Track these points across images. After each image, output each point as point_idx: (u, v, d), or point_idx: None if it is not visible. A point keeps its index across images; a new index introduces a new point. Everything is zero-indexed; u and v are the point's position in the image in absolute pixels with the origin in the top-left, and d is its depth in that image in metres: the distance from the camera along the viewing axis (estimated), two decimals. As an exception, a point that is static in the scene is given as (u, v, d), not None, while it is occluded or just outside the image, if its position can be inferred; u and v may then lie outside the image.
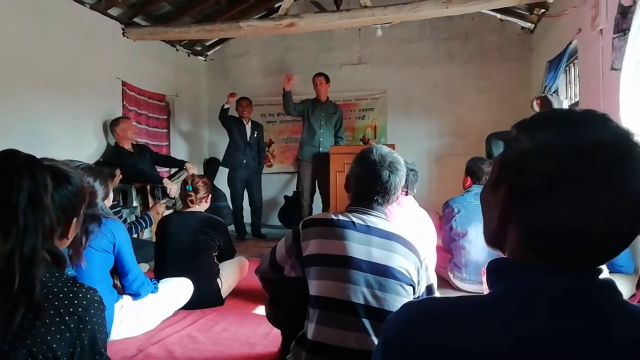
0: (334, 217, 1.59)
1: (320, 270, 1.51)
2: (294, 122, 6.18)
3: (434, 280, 1.65)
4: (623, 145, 0.59)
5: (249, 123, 5.59)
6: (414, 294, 1.54)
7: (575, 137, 0.60)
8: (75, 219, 1.20)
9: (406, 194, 2.58)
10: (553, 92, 3.75)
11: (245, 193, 5.65)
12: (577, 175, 0.58)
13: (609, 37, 3.05)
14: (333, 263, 1.50)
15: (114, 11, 4.85)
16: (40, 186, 1.08)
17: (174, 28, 4.98)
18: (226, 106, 5.35)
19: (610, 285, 0.61)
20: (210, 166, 6.58)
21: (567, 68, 4.47)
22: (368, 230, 1.55)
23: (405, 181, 2.57)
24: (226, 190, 5.75)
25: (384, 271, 1.47)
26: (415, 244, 1.60)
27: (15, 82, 3.80)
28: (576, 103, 4.20)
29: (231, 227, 5.56)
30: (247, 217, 5.65)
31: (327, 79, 5.34)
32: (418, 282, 1.55)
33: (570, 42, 3.98)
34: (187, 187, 2.87)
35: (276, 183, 6.66)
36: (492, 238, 0.71)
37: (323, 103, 5.38)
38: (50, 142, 4.13)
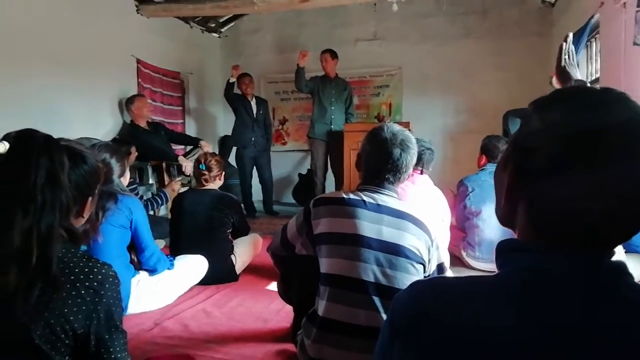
0: (344, 195, 1.59)
1: (330, 249, 1.53)
2: (308, 99, 6.13)
3: (445, 259, 1.66)
4: (636, 126, 0.57)
5: (254, 99, 5.52)
6: (424, 272, 1.54)
7: (585, 117, 0.59)
8: (90, 198, 1.22)
9: (421, 173, 2.56)
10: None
11: (255, 171, 5.63)
12: (582, 156, 0.57)
13: (633, 11, 2.96)
14: (344, 241, 1.51)
15: (127, -12, 4.84)
16: (57, 165, 1.10)
17: (188, 4, 4.94)
18: (232, 80, 5.31)
19: (618, 267, 0.60)
20: (225, 144, 6.61)
21: (589, 43, 4.35)
22: (379, 208, 1.55)
23: (421, 159, 2.56)
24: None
25: (394, 249, 1.48)
26: (427, 222, 1.60)
27: (30, 62, 3.82)
28: (596, 79, 4.09)
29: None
30: (257, 195, 5.65)
31: (334, 55, 5.26)
32: (429, 260, 1.56)
33: (592, 16, 3.87)
34: (200, 165, 2.89)
35: (290, 161, 6.67)
36: (503, 217, 0.71)
37: (332, 80, 5.32)
38: (67, 120, 4.18)
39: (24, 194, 1.06)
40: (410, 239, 1.51)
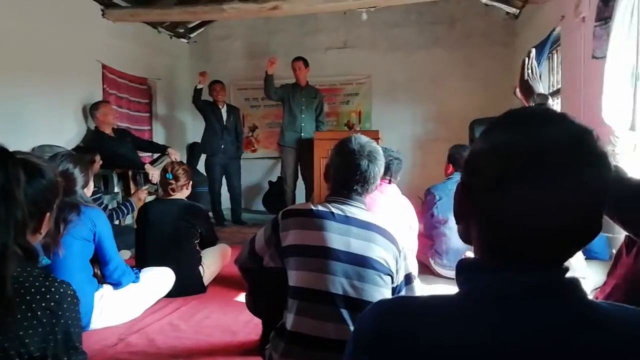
0: (313, 207, 1.59)
1: (299, 261, 1.52)
2: (278, 106, 6.11)
3: (413, 269, 1.67)
4: (574, 142, 0.59)
5: (224, 107, 5.47)
6: (392, 283, 1.55)
7: (524, 137, 0.60)
8: (48, 214, 1.18)
9: (389, 182, 2.59)
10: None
11: (224, 179, 5.56)
12: (523, 175, 0.58)
13: (591, 26, 3.07)
14: (312, 254, 1.50)
15: (92, -9, 4.73)
16: (13, 180, 1.06)
17: (155, 10, 4.87)
18: (199, 86, 5.24)
19: (570, 283, 0.61)
20: (194, 151, 6.52)
21: (550, 55, 4.49)
22: (347, 220, 1.55)
23: (389, 169, 2.59)
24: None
25: (362, 262, 1.48)
26: (394, 232, 1.61)
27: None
28: (558, 90, 4.23)
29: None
30: (226, 203, 5.59)
31: (306, 64, 5.28)
32: (397, 271, 1.57)
33: (554, 29, 4.00)
34: (167, 174, 2.83)
35: (260, 168, 6.63)
36: (461, 234, 0.72)
37: (303, 88, 5.33)
38: (29, 126, 4.05)
39: None
40: (378, 251, 1.51)
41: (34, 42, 4.07)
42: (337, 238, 1.51)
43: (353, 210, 1.58)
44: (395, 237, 1.58)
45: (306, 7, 4.56)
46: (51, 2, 4.26)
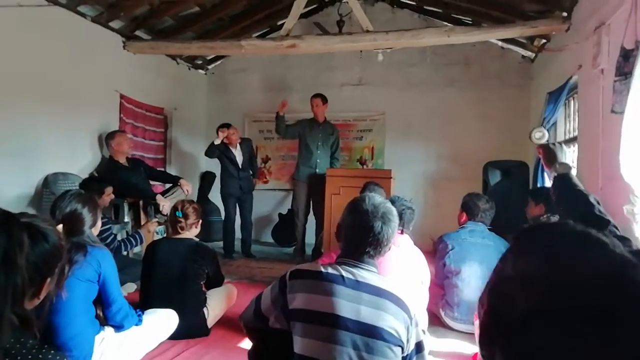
0: (322, 269, 1.54)
1: (305, 328, 1.46)
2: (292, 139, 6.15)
3: (424, 324, 1.61)
4: (615, 282, 0.52)
5: (237, 148, 5.42)
6: (402, 353, 1.49)
7: (559, 268, 0.55)
8: (49, 279, 1.15)
9: (401, 232, 2.53)
10: (556, 142, 3.70)
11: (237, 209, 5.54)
12: (556, 316, 0.52)
13: (610, 78, 3.03)
14: (320, 321, 1.45)
15: (115, 24, 4.83)
16: (16, 246, 1.04)
17: (175, 43, 4.96)
18: (216, 142, 5.18)
19: None
20: (206, 180, 6.54)
21: (567, 101, 4.46)
22: (358, 285, 1.50)
23: (401, 219, 2.54)
24: (220, 206, 5.69)
25: (372, 332, 1.43)
26: (406, 299, 1.55)
27: (13, 92, 3.75)
28: (574, 138, 4.18)
29: (220, 243, 5.50)
30: (236, 233, 5.56)
31: (325, 100, 5.32)
32: (407, 340, 1.50)
33: (571, 77, 3.98)
34: (176, 212, 2.81)
35: (271, 199, 6.62)
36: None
37: (320, 124, 5.35)
38: (45, 153, 4.09)
39: None
40: (389, 320, 1.46)
41: (55, 71, 4.16)
42: (346, 305, 1.46)
43: (364, 274, 1.53)
44: (407, 304, 1.53)
45: (323, 46, 4.61)
46: (75, 34, 4.35)
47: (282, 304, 1.55)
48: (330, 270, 1.54)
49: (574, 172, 2.74)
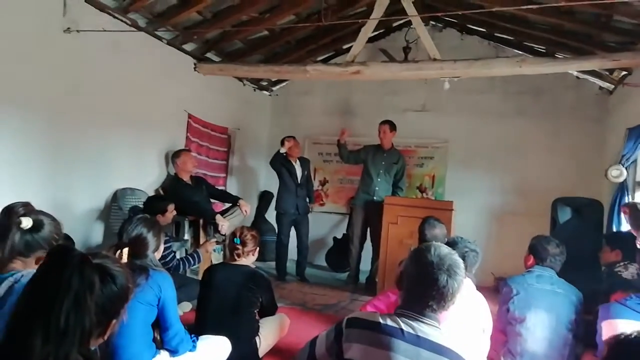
0: (381, 321, 1.48)
1: (361, 382, 1.40)
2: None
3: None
4: None
5: (297, 162, 5.51)
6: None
7: None
8: (114, 320, 1.17)
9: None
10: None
11: (293, 231, 5.56)
12: None
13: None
14: (376, 377, 1.39)
15: (188, 46, 5.04)
16: (87, 288, 1.06)
17: (243, 66, 5.10)
18: (282, 150, 5.29)
19: None
20: (264, 199, 6.64)
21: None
22: (417, 341, 1.42)
23: (464, 261, 2.41)
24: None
25: (430, 393, 1.34)
26: (468, 357, 1.46)
27: (90, 112, 3.97)
28: (658, 179, 3.87)
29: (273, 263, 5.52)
30: (291, 254, 5.57)
31: (393, 127, 5.26)
32: (468, 402, 1.41)
33: (655, 114, 3.70)
34: (235, 239, 2.84)
35: (327, 222, 6.59)
36: None
37: (385, 151, 5.29)
38: (115, 169, 4.29)
39: (49, 316, 1.02)
40: (449, 381, 1.37)
41: (130, 91, 4.37)
42: (405, 362, 1.38)
43: (425, 329, 1.45)
44: (469, 364, 1.43)
45: (387, 73, 4.58)
46: (151, 57, 4.57)
47: (337, 351, 1.50)
48: (389, 322, 1.47)
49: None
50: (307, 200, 5.64)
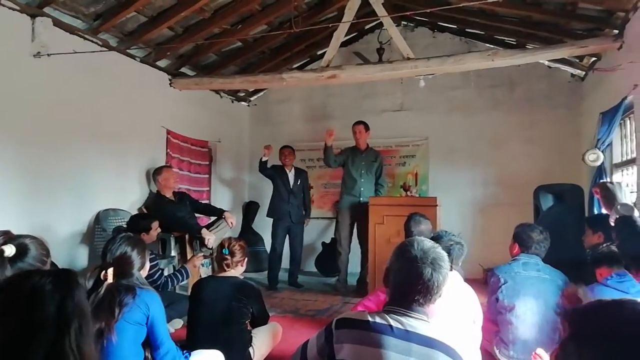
0: (370, 319, 1.48)
1: (354, 382, 1.40)
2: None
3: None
4: None
5: (292, 170, 5.59)
6: (456, 408, 1.40)
7: None
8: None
9: (450, 269, 2.42)
10: (614, 182, 3.47)
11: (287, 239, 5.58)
12: None
13: (670, 99, 2.87)
14: (368, 375, 1.39)
15: (162, 63, 5.02)
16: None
17: (219, 78, 5.11)
18: (264, 159, 5.36)
19: None
20: (250, 210, 6.61)
21: (622, 121, 4.24)
22: (407, 336, 1.43)
23: (450, 254, 2.43)
24: (269, 236, 5.72)
25: (423, 387, 1.35)
26: (459, 348, 1.47)
27: (66, 133, 3.95)
28: (632, 159, 3.95)
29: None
30: (283, 263, 5.57)
31: (367, 128, 5.30)
32: (461, 393, 1.41)
33: (626, 97, 3.78)
34: (223, 250, 2.82)
35: (314, 228, 6.58)
36: None
37: (363, 151, 5.32)
38: (96, 190, 4.25)
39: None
40: (441, 373, 1.38)
41: (105, 111, 4.34)
42: (396, 357, 1.39)
43: (414, 323, 1.46)
44: (460, 356, 1.44)
45: (363, 75, 4.61)
46: (124, 75, 4.55)
47: (329, 353, 1.50)
48: (378, 319, 1.48)
49: (636, 212, 2.56)
50: (303, 211, 5.66)
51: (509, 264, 3.01)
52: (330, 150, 5.19)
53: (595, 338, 0.54)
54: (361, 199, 5.19)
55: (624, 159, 4.29)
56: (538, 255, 2.98)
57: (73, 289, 1.14)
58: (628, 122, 4.17)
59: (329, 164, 5.35)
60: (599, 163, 4.33)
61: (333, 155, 5.24)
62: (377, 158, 5.41)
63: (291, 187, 5.49)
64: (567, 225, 4.23)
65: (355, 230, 5.33)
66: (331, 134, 5.14)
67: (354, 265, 5.41)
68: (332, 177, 6.39)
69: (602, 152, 4.31)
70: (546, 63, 5.63)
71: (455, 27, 5.94)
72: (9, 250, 1.73)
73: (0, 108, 3.37)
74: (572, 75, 5.67)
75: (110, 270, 2.13)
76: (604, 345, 0.53)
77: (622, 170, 4.32)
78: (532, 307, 2.83)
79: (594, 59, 4.91)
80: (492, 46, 5.61)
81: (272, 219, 5.56)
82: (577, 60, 5.25)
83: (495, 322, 3.00)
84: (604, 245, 2.99)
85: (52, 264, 2.37)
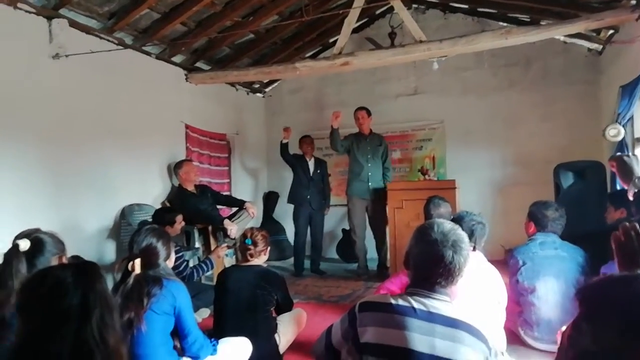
0: (393, 301, 1.51)
1: (378, 363, 1.44)
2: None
3: (502, 346, 1.53)
4: None
5: (312, 160, 5.67)
6: (481, 387, 1.43)
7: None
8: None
9: (473, 249, 2.43)
10: (630, 154, 3.40)
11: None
12: None
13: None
14: (393, 356, 1.43)
15: (177, 58, 5.08)
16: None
17: (233, 71, 5.14)
18: (284, 141, 5.46)
19: None
20: (270, 200, 6.68)
21: (643, 95, 4.15)
22: (430, 317, 1.46)
23: (472, 235, 2.44)
24: (290, 224, 5.79)
25: (448, 366, 1.38)
26: (484, 329, 1.49)
27: (87, 132, 4.04)
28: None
29: (290, 260, 5.59)
30: (306, 251, 5.66)
31: (369, 113, 5.31)
32: (487, 372, 1.44)
33: (646, 70, 3.71)
34: (246, 240, 2.88)
35: (334, 216, 6.60)
36: None
37: (367, 136, 5.33)
38: (120, 186, 4.34)
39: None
40: (466, 352, 1.40)
41: (125, 108, 4.42)
42: (420, 339, 1.42)
43: (437, 304, 1.49)
44: (484, 335, 1.47)
45: (376, 61, 4.59)
46: (141, 72, 4.62)
47: (353, 337, 1.53)
48: (400, 302, 1.51)
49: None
50: (323, 200, 5.72)
51: (527, 245, 3.01)
52: (336, 133, 5.19)
53: (609, 316, 0.56)
54: (370, 184, 5.21)
55: (646, 132, 4.21)
56: (555, 232, 2.96)
57: (94, 280, 1.19)
58: (649, 95, 4.09)
59: (335, 148, 5.34)
60: (620, 138, 4.26)
61: (339, 139, 5.24)
62: (382, 142, 5.41)
63: (311, 174, 5.57)
64: (588, 203, 4.19)
65: (367, 216, 5.34)
66: (337, 116, 5.13)
67: (373, 251, 5.44)
68: (348, 163, 6.39)
69: (623, 126, 4.24)
70: (562, 39, 5.52)
71: (466, 7, 5.86)
72: (24, 244, 1.78)
73: (22, 109, 3.47)
74: (589, 49, 5.55)
75: (138, 261, 2.20)
76: (619, 324, 0.55)
77: (644, 145, 4.24)
78: (554, 287, 2.83)
79: (611, 31, 4.80)
80: (505, 24, 5.52)
81: (292, 206, 5.63)
82: (594, 34, 5.14)
83: (518, 304, 3.00)
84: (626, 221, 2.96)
85: (77, 257, 2.46)
